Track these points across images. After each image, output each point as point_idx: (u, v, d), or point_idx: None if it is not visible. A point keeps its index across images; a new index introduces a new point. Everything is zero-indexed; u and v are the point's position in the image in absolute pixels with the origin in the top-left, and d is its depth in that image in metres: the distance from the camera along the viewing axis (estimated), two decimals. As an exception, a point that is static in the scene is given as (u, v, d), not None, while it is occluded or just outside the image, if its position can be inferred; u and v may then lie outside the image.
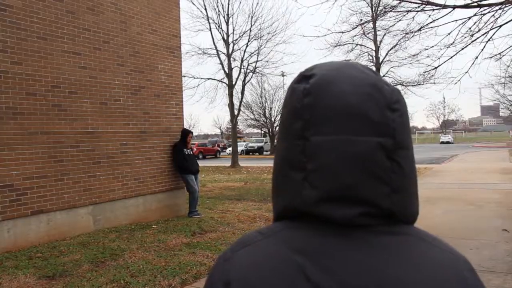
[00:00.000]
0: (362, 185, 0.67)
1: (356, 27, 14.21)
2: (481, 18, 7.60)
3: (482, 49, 8.11)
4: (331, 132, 0.68)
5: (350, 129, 0.68)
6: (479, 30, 7.76)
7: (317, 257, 0.67)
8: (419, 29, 8.55)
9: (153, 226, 8.03)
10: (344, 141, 0.68)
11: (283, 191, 0.74)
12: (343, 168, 0.67)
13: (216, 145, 52.11)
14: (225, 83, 27.31)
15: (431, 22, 7.99)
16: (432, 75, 13.53)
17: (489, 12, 7.36)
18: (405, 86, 22.72)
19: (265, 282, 0.66)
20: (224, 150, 53.59)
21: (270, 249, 0.70)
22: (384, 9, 9.54)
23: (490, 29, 7.67)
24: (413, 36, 10.55)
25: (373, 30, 20.55)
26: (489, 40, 7.82)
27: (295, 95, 0.73)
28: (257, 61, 27.14)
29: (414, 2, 7.58)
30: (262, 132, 58.16)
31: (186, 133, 9.36)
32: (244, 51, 26.71)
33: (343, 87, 0.69)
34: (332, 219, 0.68)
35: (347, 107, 0.68)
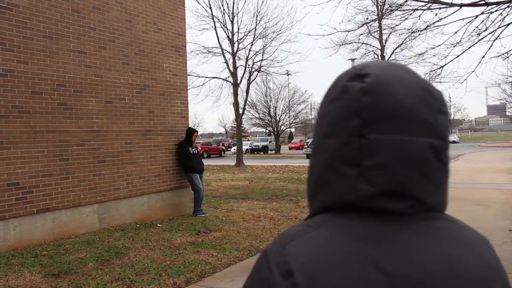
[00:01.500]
0: (413, 183, 0.72)
1: (361, 26, 14.14)
2: (488, 16, 7.54)
3: (489, 48, 8.05)
4: (389, 132, 0.72)
5: (406, 130, 0.72)
6: (486, 29, 7.70)
7: (380, 244, 0.70)
8: (426, 28, 8.50)
9: (158, 224, 8.04)
10: (401, 141, 0.72)
11: (331, 186, 0.76)
12: (399, 167, 0.72)
13: (221, 144, 52.15)
14: (230, 82, 27.30)
15: (437, 21, 7.94)
16: (438, 74, 13.42)
17: (496, 10, 7.30)
18: (411, 85, 22.66)
19: (333, 269, 0.68)
20: (229, 149, 53.60)
21: (327, 238, 0.72)
22: (390, 8, 9.49)
23: (498, 28, 7.61)
24: (419, 35, 10.49)
25: (378, 29, 20.47)
26: (496, 38, 7.76)
27: (350, 93, 0.74)
28: (262, 60, 27.13)
29: (420, 1, 7.53)
30: (267, 131, 58.15)
31: (191, 132, 9.36)
32: (249, 50, 26.71)
33: (398, 89, 0.73)
34: (386, 211, 0.72)
35: (403, 109, 0.72)
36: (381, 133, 0.72)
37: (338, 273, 0.67)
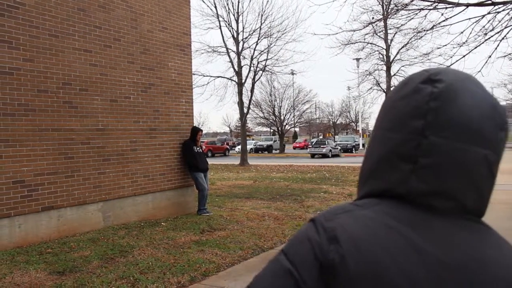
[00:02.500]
0: (461, 189, 0.78)
1: (367, 26, 14.10)
2: (495, 16, 7.51)
3: (496, 48, 8.01)
4: (449, 138, 0.77)
5: (466, 139, 0.77)
6: (493, 29, 7.66)
7: (420, 230, 0.77)
8: (432, 28, 8.47)
9: (162, 223, 8.05)
10: (459, 148, 0.77)
11: (385, 176, 0.82)
12: (452, 171, 0.77)
13: (225, 143, 52.17)
14: (234, 81, 27.30)
15: (444, 21, 7.90)
16: (444, 74, 13.38)
17: (503, 10, 7.26)
18: (416, 85, 22.55)
19: (375, 242, 0.75)
20: (233, 148, 53.62)
21: (373, 217, 0.79)
22: (395, 7, 9.46)
23: (505, 28, 7.57)
24: (425, 34, 10.45)
25: (384, 28, 20.41)
26: (503, 38, 7.72)
27: (420, 95, 0.80)
28: (266, 59, 27.10)
29: (426, 0, 7.51)
30: (272, 130, 58.13)
31: (195, 131, 9.37)
32: (254, 49, 26.69)
33: (467, 101, 0.78)
34: (431, 207, 0.79)
35: (467, 120, 0.77)
36: (442, 137, 0.77)
37: (379, 248, 0.74)
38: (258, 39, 26.36)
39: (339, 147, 42.64)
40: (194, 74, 22.80)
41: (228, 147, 48.25)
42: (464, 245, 0.77)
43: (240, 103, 27.53)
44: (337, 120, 67.72)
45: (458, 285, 0.74)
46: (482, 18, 7.60)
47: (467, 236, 0.78)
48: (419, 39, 15.21)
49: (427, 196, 0.78)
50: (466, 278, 0.74)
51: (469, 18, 7.67)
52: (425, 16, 8.32)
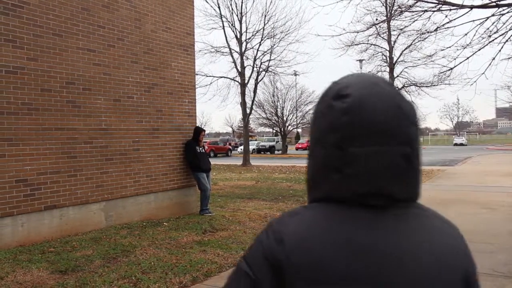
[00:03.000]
0: (387, 186, 0.88)
1: (370, 27, 14.11)
2: (499, 18, 7.49)
3: (500, 50, 7.99)
4: (365, 145, 0.87)
5: (378, 142, 0.87)
6: (497, 31, 7.63)
7: (355, 225, 0.87)
8: (435, 30, 8.45)
9: (165, 223, 8.06)
10: (375, 151, 0.87)
11: (321, 186, 0.93)
12: (374, 174, 0.87)
13: (228, 143, 52.18)
14: (237, 81, 27.30)
15: (447, 22, 7.90)
16: (448, 76, 13.36)
17: (508, 12, 7.24)
18: (419, 87, 22.49)
19: (316, 240, 0.86)
20: (235, 148, 53.62)
21: (316, 217, 0.89)
22: (399, 9, 9.45)
23: (509, 30, 7.55)
24: (428, 36, 10.44)
25: (387, 30, 20.38)
26: (507, 41, 7.70)
27: (333, 112, 0.90)
28: (270, 60, 27.09)
29: (430, 2, 7.49)
30: (274, 131, 58.07)
31: (198, 131, 9.37)
32: (257, 50, 26.69)
33: (373, 108, 0.87)
34: (363, 204, 0.89)
35: (378, 124, 0.87)
36: (357, 146, 0.87)
37: (319, 245, 0.85)
38: (261, 40, 26.37)
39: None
40: (197, 74, 22.81)
41: (230, 147, 48.26)
42: (395, 233, 0.87)
43: (243, 104, 27.53)
44: (339, 121, 67.45)
45: (387, 269, 0.85)
46: (486, 20, 7.59)
47: (396, 225, 0.88)
48: (422, 40, 15.18)
49: (359, 197, 0.88)
50: (392, 259, 0.85)
51: (473, 20, 7.66)
52: (429, 17, 8.31)
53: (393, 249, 0.86)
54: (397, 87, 0.94)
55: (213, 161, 13.67)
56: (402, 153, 0.88)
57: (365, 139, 0.87)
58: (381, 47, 21.89)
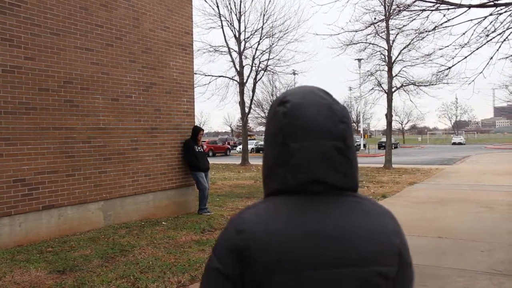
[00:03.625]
0: (325, 175, 1.05)
1: (369, 26, 14.09)
2: (497, 17, 7.49)
3: (498, 49, 7.99)
4: (302, 140, 1.04)
5: (312, 137, 1.04)
6: (495, 30, 7.63)
7: (303, 210, 1.04)
8: (434, 29, 8.45)
9: (163, 222, 8.05)
10: (311, 145, 1.04)
11: (273, 180, 1.09)
12: (312, 163, 1.04)
13: (227, 142, 52.15)
14: (236, 81, 27.28)
15: (445, 22, 7.88)
16: (446, 75, 13.36)
17: (505, 11, 7.25)
18: (418, 86, 22.42)
19: (271, 227, 1.01)
20: (234, 148, 53.60)
21: (269, 207, 1.06)
22: (397, 8, 9.44)
23: (507, 29, 7.55)
24: (427, 35, 10.44)
25: (386, 29, 20.36)
26: (505, 40, 7.70)
27: (277, 115, 1.09)
28: (268, 59, 27.07)
29: (429, 1, 7.48)
30: (273, 130, 57.97)
31: (197, 131, 9.37)
32: (256, 49, 26.66)
33: (308, 110, 1.06)
34: (308, 192, 1.05)
35: (310, 123, 1.05)
36: (296, 141, 1.04)
37: (274, 231, 1.01)
38: (260, 39, 26.35)
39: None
40: (195, 74, 22.80)
41: (229, 146, 48.23)
42: (332, 215, 1.04)
43: (242, 103, 27.52)
44: (338, 121, 67.52)
45: (327, 245, 1.01)
46: (484, 19, 7.58)
47: (337, 209, 1.05)
48: (421, 40, 15.16)
49: (304, 185, 1.05)
50: (332, 239, 1.01)
51: (471, 20, 7.65)
52: (427, 17, 8.30)
53: (335, 231, 1.02)
54: (332, 96, 1.12)
55: (212, 161, 13.69)
56: (334, 146, 1.05)
57: (302, 135, 1.05)
58: (380, 46, 21.83)
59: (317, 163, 1.04)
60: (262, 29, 26.03)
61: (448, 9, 7.49)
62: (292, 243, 1.00)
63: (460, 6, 7.27)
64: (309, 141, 1.04)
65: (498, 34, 7.71)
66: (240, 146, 37.72)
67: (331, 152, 1.05)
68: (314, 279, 0.99)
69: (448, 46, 8.72)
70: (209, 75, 26.91)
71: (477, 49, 8.22)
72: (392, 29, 18.57)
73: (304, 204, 1.04)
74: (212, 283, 1.04)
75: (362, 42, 21.01)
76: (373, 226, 1.05)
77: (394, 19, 12.40)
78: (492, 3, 7.17)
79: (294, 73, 44.07)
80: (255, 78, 27.59)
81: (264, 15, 26.07)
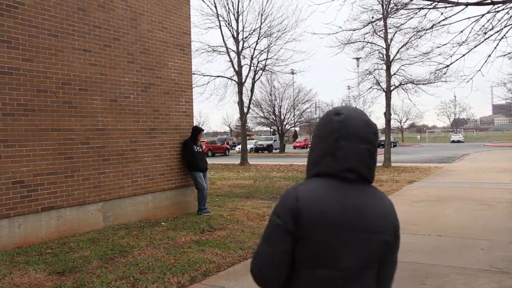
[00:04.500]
0: (358, 167, 1.54)
1: (367, 25, 14.08)
2: (494, 15, 7.49)
3: (495, 47, 8.00)
4: (349, 141, 1.53)
5: (356, 141, 1.54)
6: (492, 28, 7.64)
7: (339, 190, 1.52)
8: (431, 27, 8.45)
9: (162, 223, 8.04)
10: (354, 146, 1.53)
11: (319, 164, 1.57)
12: (352, 158, 1.53)
13: (226, 142, 52.14)
14: (234, 80, 27.29)
15: (443, 20, 7.88)
16: (444, 73, 13.37)
17: (503, 9, 7.25)
18: (416, 84, 22.42)
19: (317, 198, 1.49)
20: (233, 147, 53.60)
21: (316, 185, 1.54)
22: (395, 7, 9.44)
23: (504, 27, 7.55)
24: (424, 34, 10.43)
25: (383, 28, 20.37)
26: (502, 37, 7.70)
27: (333, 122, 1.56)
28: (266, 59, 27.09)
29: (426, -1, 7.49)
30: (272, 130, 58.06)
31: (197, 131, 9.34)
32: (254, 49, 26.67)
33: (354, 122, 1.55)
34: (345, 178, 1.53)
35: (356, 132, 1.54)
36: (346, 141, 1.53)
37: (319, 201, 1.49)
38: (258, 39, 26.36)
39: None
40: (194, 74, 22.78)
41: (228, 146, 48.22)
42: (359, 196, 1.53)
43: (240, 103, 27.52)
44: (337, 120, 67.51)
45: (354, 215, 1.49)
46: (481, 17, 7.59)
47: (361, 192, 1.54)
48: (419, 38, 15.15)
49: (342, 171, 1.53)
50: (358, 212, 1.50)
51: (469, 18, 7.65)
52: (425, 15, 8.29)
53: (359, 206, 1.51)
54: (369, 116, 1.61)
55: (211, 161, 13.68)
56: (367, 149, 1.55)
57: (350, 138, 1.53)
58: (378, 45, 21.82)
59: (355, 157, 1.53)
60: (260, 28, 26.06)
61: (446, 7, 7.50)
62: (330, 212, 1.48)
63: (457, 4, 7.27)
64: (352, 143, 1.53)
65: (496, 32, 7.72)
66: (239, 146, 37.71)
67: (365, 153, 1.55)
68: (341, 237, 1.49)
69: (446, 44, 8.71)
70: (207, 75, 26.91)
71: (475, 47, 8.23)
72: (390, 28, 18.59)
73: (340, 185, 1.53)
74: (276, 235, 1.52)
75: (360, 41, 21.02)
76: (383, 209, 1.56)
77: (392, 17, 12.40)
78: (489, 1, 7.17)
79: (292, 73, 44.09)
80: (253, 78, 27.61)
81: (262, 14, 26.08)
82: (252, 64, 27.00)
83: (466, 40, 8.08)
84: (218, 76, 27.45)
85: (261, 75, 28.77)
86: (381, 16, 17.14)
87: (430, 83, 21.85)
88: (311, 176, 1.59)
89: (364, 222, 1.50)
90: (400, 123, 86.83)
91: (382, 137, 32.05)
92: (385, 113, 23.28)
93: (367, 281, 1.54)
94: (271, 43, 26.60)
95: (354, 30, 17.07)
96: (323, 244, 1.48)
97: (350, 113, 1.57)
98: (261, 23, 26.05)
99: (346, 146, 1.52)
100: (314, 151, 1.61)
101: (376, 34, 20.74)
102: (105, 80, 7.71)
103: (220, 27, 26.11)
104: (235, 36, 26.25)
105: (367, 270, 1.53)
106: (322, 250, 1.49)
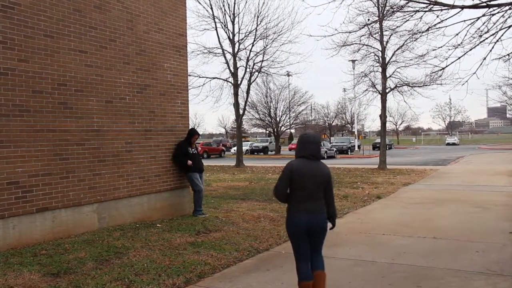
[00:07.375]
0: (314, 153, 4.30)
1: (362, 27, 14.14)
2: (490, 18, 7.52)
3: (491, 50, 8.01)
4: (310, 143, 4.36)
5: (313, 143, 4.34)
6: (488, 31, 7.66)
7: (308, 163, 4.26)
8: (427, 30, 8.47)
9: (158, 225, 8.03)
10: (312, 145, 4.34)
11: (300, 152, 4.30)
12: (312, 150, 4.29)
13: (221, 144, 52.11)
14: (230, 82, 27.31)
15: (439, 23, 7.91)
16: (439, 76, 13.39)
17: (498, 12, 7.28)
18: (412, 87, 22.49)
19: (300, 166, 4.22)
20: (229, 149, 53.56)
21: (299, 161, 4.28)
22: (391, 9, 9.47)
23: (499, 30, 7.58)
24: (420, 36, 10.48)
25: (379, 30, 20.44)
26: (497, 40, 7.73)
27: (304, 137, 4.41)
28: (262, 61, 27.14)
29: (422, 2, 7.50)
30: (267, 132, 58.03)
31: (192, 134, 9.27)
32: (250, 51, 26.73)
33: (309, 137, 4.41)
34: (309, 157, 4.28)
35: (311, 141, 4.36)
36: (308, 144, 4.31)
37: (300, 166, 4.22)
38: (254, 41, 26.41)
39: (335, 149, 42.77)
40: (189, 75, 22.76)
41: (223, 148, 48.20)
42: (315, 164, 4.23)
43: (236, 105, 27.54)
44: (332, 122, 67.71)
45: (313, 171, 4.20)
46: (477, 20, 7.62)
47: (316, 163, 4.24)
48: (414, 41, 15.23)
49: (309, 156, 4.24)
50: (314, 170, 4.21)
51: (464, 20, 7.67)
52: (421, 18, 8.31)
53: (314, 168, 4.21)
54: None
55: (206, 162, 13.67)
56: (318, 146, 4.29)
57: (309, 142, 4.28)
58: (374, 48, 21.87)
59: (313, 150, 4.23)
60: (256, 30, 26.11)
61: (441, 10, 7.52)
62: (304, 170, 4.16)
63: (453, 7, 7.30)
64: (311, 144, 4.26)
65: (491, 35, 7.74)
66: (235, 148, 37.69)
67: (317, 147, 4.26)
68: (308, 178, 4.16)
69: (441, 47, 8.73)
70: (203, 77, 26.94)
71: (470, 49, 8.25)
72: (386, 30, 18.64)
73: (308, 161, 4.20)
74: (284, 178, 4.19)
75: (356, 44, 21.08)
76: (324, 169, 4.24)
77: (388, 20, 12.46)
78: (485, 4, 7.20)
79: (288, 75, 44.18)
80: (249, 80, 27.65)
81: (258, 16, 26.13)
82: (248, 66, 27.06)
83: (461, 43, 8.11)
84: (214, 78, 27.48)
85: (257, 77, 28.85)
86: (377, 18, 17.21)
87: (426, 85, 21.94)
88: (297, 157, 4.27)
89: (317, 173, 4.16)
90: (396, 125, 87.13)
91: (377, 139, 32.03)
92: (380, 116, 23.35)
93: (320, 195, 4.20)
94: (267, 45, 26.68)
95: (350, 32, 17.08)
96: (301, 181, 4.14)
97: (310, 133, 4.43)
98: (257, 25, 26.12)
99: (309, 145, 4.23)
100: (298, 147, 4.31)
101: (372, 36, 20.83)
102: (101, 81, 7.70)
103: (216, 29, 26.14)
104: (231, 38, 26.29)
105: (319, 191, 4.19)
106: (300, 183, 4.14)
